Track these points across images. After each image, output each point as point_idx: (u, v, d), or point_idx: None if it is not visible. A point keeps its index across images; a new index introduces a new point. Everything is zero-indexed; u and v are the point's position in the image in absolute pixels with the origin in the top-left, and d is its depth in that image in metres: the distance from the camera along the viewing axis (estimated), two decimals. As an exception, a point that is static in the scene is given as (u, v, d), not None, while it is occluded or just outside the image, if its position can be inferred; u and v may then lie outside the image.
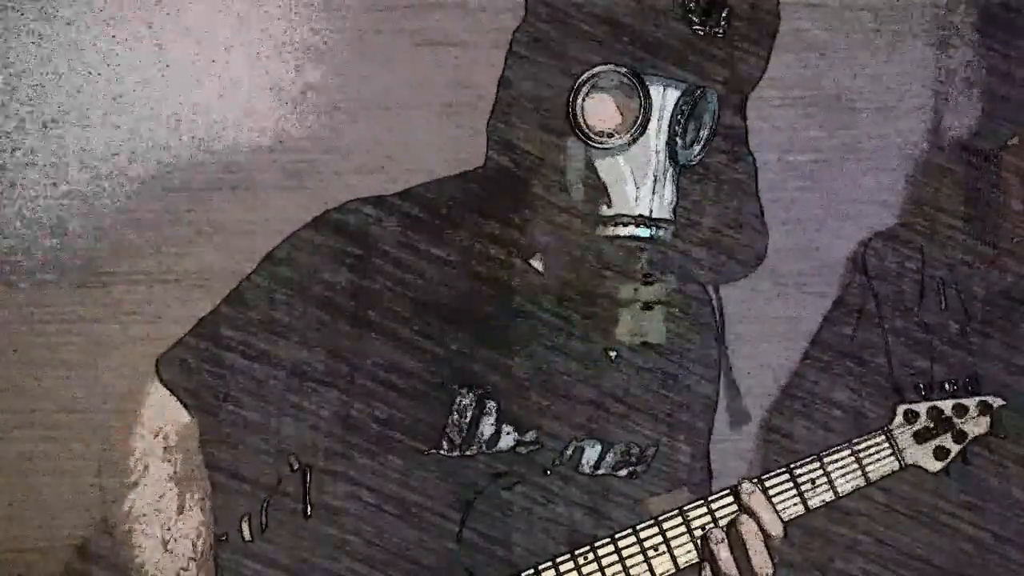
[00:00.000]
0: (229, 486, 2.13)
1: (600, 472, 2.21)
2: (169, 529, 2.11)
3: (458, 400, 2.14)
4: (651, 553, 2.10)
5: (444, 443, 2.14)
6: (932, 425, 2.15)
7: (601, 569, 2.10)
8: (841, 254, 2.47)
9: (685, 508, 2.11)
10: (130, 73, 2.34)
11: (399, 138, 2.37)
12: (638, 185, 2.09)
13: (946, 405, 2.16)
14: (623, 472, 2.22)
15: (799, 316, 2.45)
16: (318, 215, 2.18)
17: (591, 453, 2.20)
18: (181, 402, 2.12)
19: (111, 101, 2.34)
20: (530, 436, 2.17)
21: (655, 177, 2.09)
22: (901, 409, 2.15)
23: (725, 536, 2.09)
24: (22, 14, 2.32)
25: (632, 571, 2.10)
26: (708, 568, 2.11)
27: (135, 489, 2.11)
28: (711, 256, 2.19)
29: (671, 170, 2.09)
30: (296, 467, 2.14)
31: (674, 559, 2.10)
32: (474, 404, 2.14)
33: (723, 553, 2.08)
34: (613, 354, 2.20)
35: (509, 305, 2.17)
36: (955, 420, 2.15)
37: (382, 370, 2.14)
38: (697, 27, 2.08)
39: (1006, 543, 2.37)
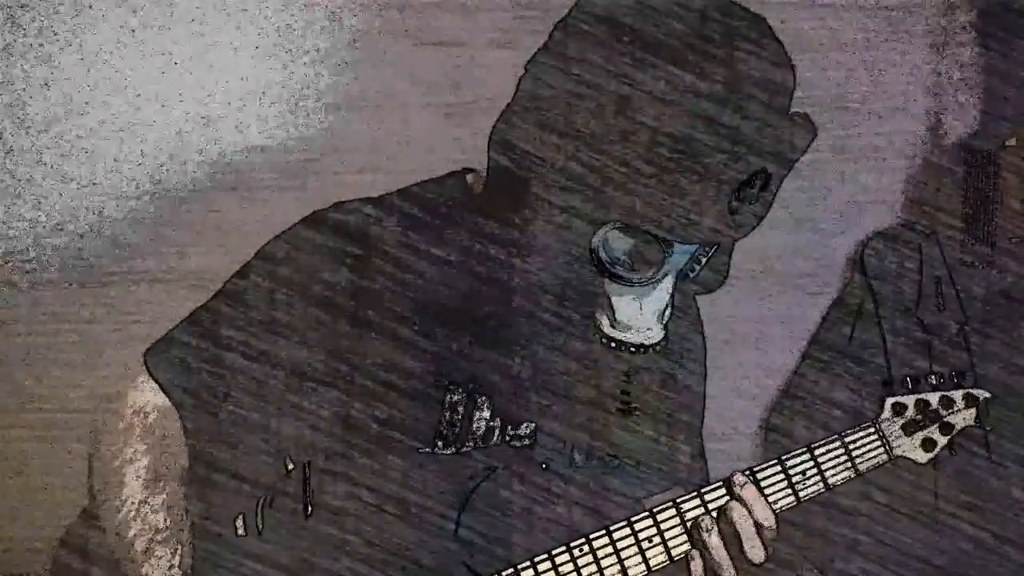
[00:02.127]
0: (228, 486, 2.13)
1: (592, 464, 2.22)
2: (145, 500, 2.12)
3: (448, 397, 2.14)
4: (645, 545, 2.12)
5: (438, 441, 2.14)
6: (920, 417, 2.19)
7: (596, 561, 2.11)
8: (841, 254, 2.47)
9: (679, 500, 2.12)
10: (130, 73, 2.34)
11: (399, 138, 2.37)
12: (643, 311, 2.18)
13: (933, 397, 2.19)
14: (609, 464, 2.24)
15: (799, 316, 2.44)
16: (309, 215, 2.18)
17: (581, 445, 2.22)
18: (166, 394, 2.13)
19: (111, 101, 2.33)
20: (524, 429, 2.17)
21: (658, 311, 2.18)
22: (889, 402, 2.19)
23: (715, 524, 2.11)
24: (24, 14, 2.31)
25: (627, 563, 2.11)
26: (698, 557, 2.12)
27: (118, 457, 2.13)
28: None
29: (673, 297, 2.20)
30: (292, 468, 2.13)
31: (668, 551, 2.11)
32: (464, 400, 2.14)
33: (713, 540, 2.10)
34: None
35: (509, 305, 2.18)
36: (942, 412, 2.19)
37: (382, 370, 2.13)
38: (747, 201, 2.14)
39: (1006, 543, 2.37)
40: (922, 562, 2.38)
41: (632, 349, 2.19)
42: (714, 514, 2.12)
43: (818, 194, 2.44)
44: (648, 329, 2.18)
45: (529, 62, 2.17)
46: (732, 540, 2.10)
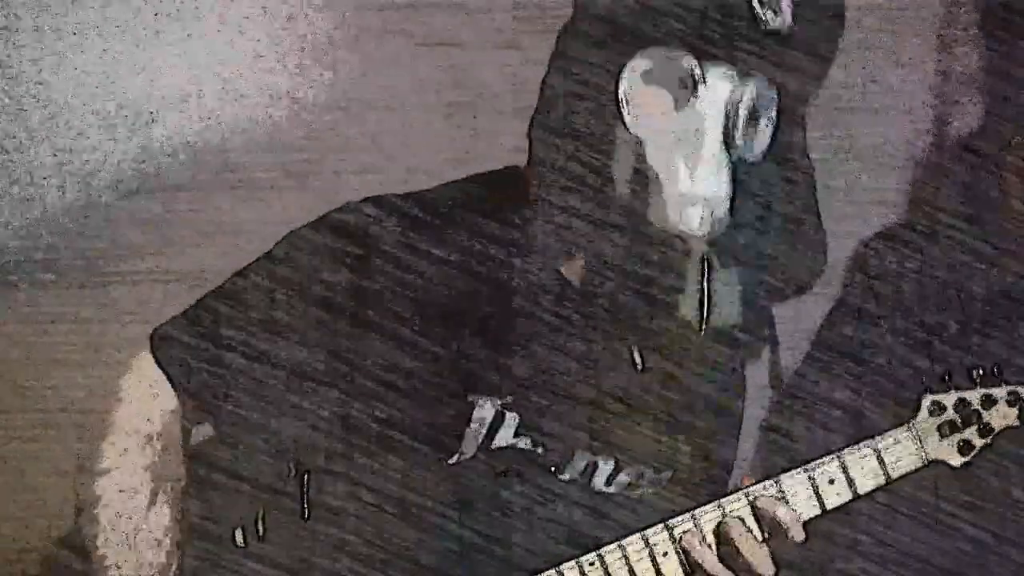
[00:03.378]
0: (227, 486, 2.13)
1: (610, 490, 2.20)
2: (135, 521, 2.11)
3: (476, 411, 2.13)
4: (660, 560, 2.07)
5: (456, 455, 2.14)
6: (958, 419, 2.06)
7: (607, 574, 2.08)
8: (841, 254, 2.47)
9: (696, 512, 2.08)
10: (130, 73, 2.34)
11: (399, 138, 2.37)
12: (691, 170, 2.08)
13: (974, 396, 2.06)
14: (633, 495, 2.21)
15: (799, 316, 2.44)
16: (321, 216, 2.18)
17: (604, 469, 2.19)
18: (168, 378, 2.12)
19: (111, 101, 2.34)
20: (542, 450, 2.17)
21: (710, 163, 2.08)
22: (927, 400, 2.07)
23: (703, 540, 2.07)
24: (23, 14, 2.32)
25: None
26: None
27: (108, 474, 2.11)
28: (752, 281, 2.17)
29: (726, 160, 2.09)
30: (294, 473, 2.13)
31: (683, 563, 2.08)
32: (493, 415, 2.14)
33: (707, 557, 2.07)
34: (639, 361, 2.21)
35: (509, 305, 2.18)
36: (982, 412, 2.06)
37: (382, 370, 2.13)
38: (765, 20, 2.08)
39: (1006, 543, 2.36)
40: (922, 562, 2.37)
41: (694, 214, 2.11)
42: (711, 533, 2.07)
43: (818, 194, 2.44)
44: (702, 181, 2.07)
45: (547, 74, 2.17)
46: (735, 557, 2.06)
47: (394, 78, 2.37)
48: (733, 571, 2.06)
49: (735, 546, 2.05)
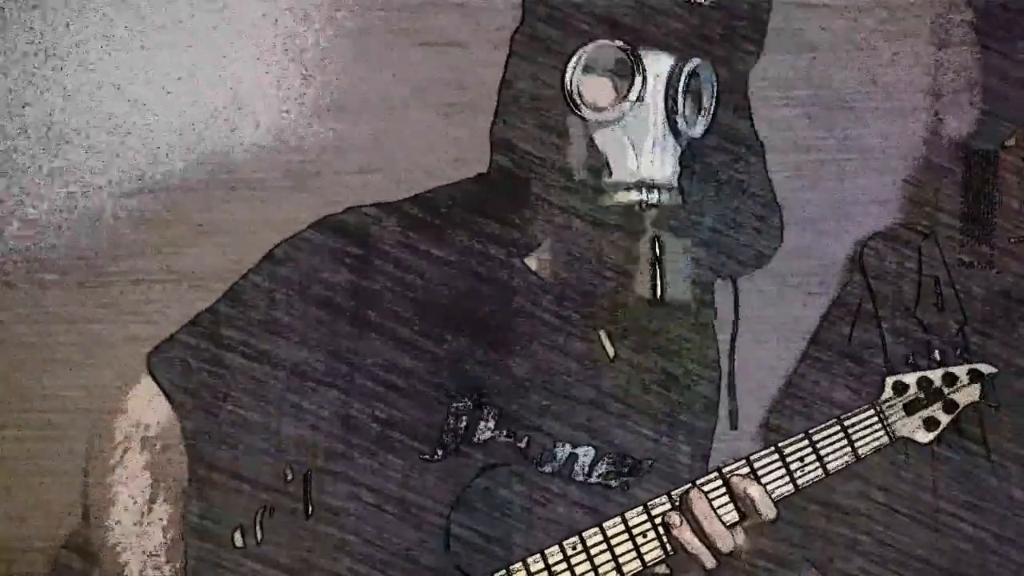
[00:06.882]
0: (228, 486, 2.13)
1: (592, 481, 2.21)
2: (141, 515, 2.11)
3: (455, 407, 2.14)
4: (640, 540, 2.10)
5: (439, 450, 2.14)
6: (922, 396, 2.14)
7: (590, 558, 2.10)
8: (841, 254, 2.47)
9: (673, 493, 2.11)
10: (131, 74, 2.34)
11: (399, 138, 2.37)
12: (637, 153, 2.09)
13: (936, 375, 2.14)
14: (615, 483, 2.22)
15: (799, 316, 2.45)
16: (320, 219, 2.18)
17: (585, 460, 2.20)
18: (167, 397, 2.13)
19: (112, 101, 2.34)
20: (524, 443, 2.17)
21: (653, 143, 2.09)
22: (890, 381, 2.15)
23: (683, 519, 2.09)
24: (23, 15, 2.31)
25: (621, 559, 2.10)
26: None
27: (113, 472, 2.12)
28: (713, 255, 2.20)
29: (672, 141, 2.10)
30: (291, 478, 2.13)
31: (663, 545, 2.10)
32: (470, 410, 2.14)
33: (686, 535, 2.08)
34: (611, 352, 2.21)
35: (508, 305, 2.18)
36: (945, 390, 2.14)
37: (382, 370, 2.14)
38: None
39: (1006, 543, 2.37)
40: (922, 562, 2.38)
41: (644, 198, 2.09)
42: (688, 511, 2.09)
43: (818, 194, 2.44)
44: (647, 165, 2.09)
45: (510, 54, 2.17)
46: (698, 529, 2.08)
47: (394, 78, 2.37)
48: (710, 547, 2.08)
49: (696, 518, 2.06)
